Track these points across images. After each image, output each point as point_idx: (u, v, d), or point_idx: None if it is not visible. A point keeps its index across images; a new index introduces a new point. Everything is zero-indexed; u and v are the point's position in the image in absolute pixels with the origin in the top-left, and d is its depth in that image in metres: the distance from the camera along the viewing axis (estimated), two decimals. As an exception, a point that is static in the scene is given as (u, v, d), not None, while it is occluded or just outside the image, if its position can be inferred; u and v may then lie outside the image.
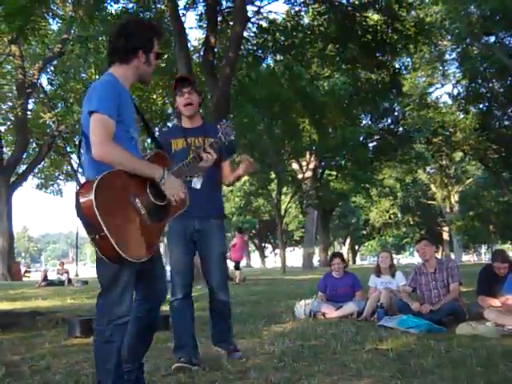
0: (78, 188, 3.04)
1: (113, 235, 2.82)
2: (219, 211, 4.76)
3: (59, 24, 26.61)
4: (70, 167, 38.55)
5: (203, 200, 4.45)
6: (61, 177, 40.63)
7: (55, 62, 31.68)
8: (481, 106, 33.65)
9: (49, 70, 32.84)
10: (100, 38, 21.64)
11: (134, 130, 3.24)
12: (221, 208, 4.81)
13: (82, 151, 3.25)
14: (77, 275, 41.35)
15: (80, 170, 38.82)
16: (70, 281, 21.62)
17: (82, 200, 2.90)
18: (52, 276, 23.68)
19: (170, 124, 31.25)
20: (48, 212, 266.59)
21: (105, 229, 2.80)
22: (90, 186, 2.87)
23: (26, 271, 41.52)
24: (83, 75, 32.32)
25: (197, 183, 4.44)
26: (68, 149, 37.45)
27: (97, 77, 29.13)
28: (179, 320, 4.62)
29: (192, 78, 4.75)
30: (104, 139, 2.97)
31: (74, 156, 38.36)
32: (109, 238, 2.81)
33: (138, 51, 3.24)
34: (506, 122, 33.52)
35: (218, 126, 4.03)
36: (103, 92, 3.08)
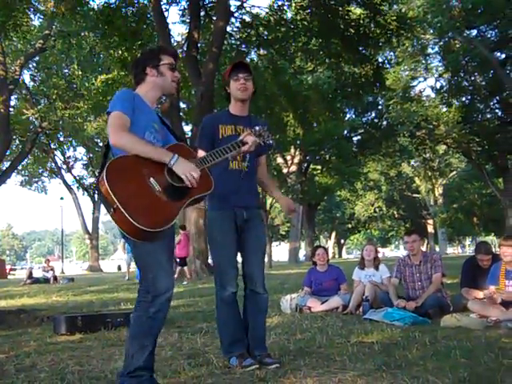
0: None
1: (124, 206, 3.01)
2: (259, 200, 4.70)
3: (41, 19, 26.44)
4: (53, 164, 38.40)
5: (249, 189, 4.39)
6: (45, 174, 40.46)
7: (37, 58, 31.45)
8: (463, 99, 33.84)
9: (31, 65, 32.62)
10: (82, 34, 21.54)
11: (150, 134, 3.48)
12: (259, 197, 4.74)
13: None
14: (62, 272, 41.23)
15: (64, 166, 38.72)
16: (55, 278, 21.53)
17: (99, 179, 3.13)
18: (37, 274, 23.57)
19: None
20: (33, 209, 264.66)
21: (116, 200, 3.01)
22: (104, 169, 3.13)
23: (10, 269, 41.37)
24: (66, 71, 32.21)
25: (245, 173, 4.35)
26: (52, 145, 37.29)
27: (79, 72, 29.05)
28: (232, 314, 4.34)
29: (249, 65, 4.56)
30: (116, 128, 3.28)
31: (57, 153, 38.23)
32: (121, 209, 3.00)
33: (146, 68, 3.63)
34: (489, 115, 33.72)
35: (257, 128, 3.93)
36: (117, 96, 3.47)
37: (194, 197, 3.39)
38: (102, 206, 3.40)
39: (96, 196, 36.62)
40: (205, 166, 3.51)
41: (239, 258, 4.42)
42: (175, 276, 18.13)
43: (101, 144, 36.88)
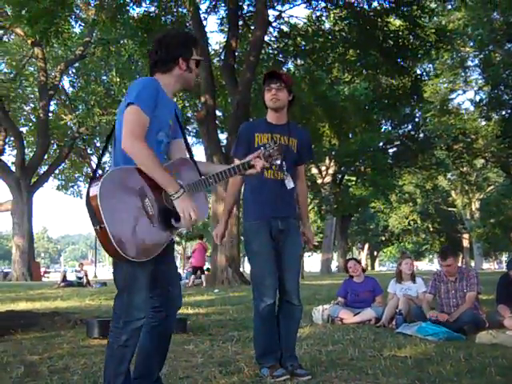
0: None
1: (112, 229, 2.84)
2: (296, 210, 4.60)
3: (82, 27, 26.88)
4: (89, 169, 38.88)
5: (285, 199, 4.35)
6: (81, 178, 41.00)
7: (77, 65, 31.99)
8: (503, 112, 33.37)
9: (70, 72, 33.19)
10: (122, 41, 21.80)
11: (164, 134, 3.26)
12: (296, 207, 4.64)
13: (109, 147, 3.29)
14: (95, 276, 41.66)
15: (99, 171, 39.15)
16: (88, 282, 21.76)
17: (90, 190, 2.95)
18: (71, 277, 23.85)
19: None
20: (68, 213, 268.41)
21: (104, 221, 2.83)
22: (101, 176, 2.93)
23: (45, 272, 41.91)
24: (104, 78, 32.67)
25: (289, 183, 4.26)
26: (88, 151, 37.80)
27: (118, 80, 29.42)
28: (268, 325, 4.28)
29: (283, 74, 4.52)
30: (137, 135, 3.01)
31: (94, 158, 38.72)
32: (107, 230, 2.83)
33: (178, 59, 3.33)
34: (528, 129, 33.19)
35: (264, 149, 3.58)
36: (144, 88, 3.14)
37: (181, 227, 3.22)
38: None
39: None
40: (206, 187, 3.35)
41: None
42: (203, 285, 18.56)
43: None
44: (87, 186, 3.04)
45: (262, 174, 4.08)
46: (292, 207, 4.48)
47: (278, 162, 3.63)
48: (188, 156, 3.51)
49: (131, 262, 2.95)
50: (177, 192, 3.05)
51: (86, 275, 22.39)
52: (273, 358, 4.24)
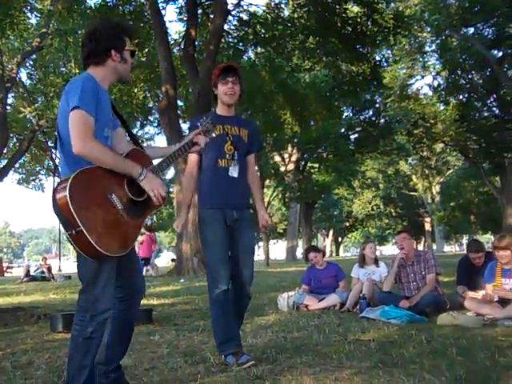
0: (54, 186, 3.05)
1: (88, 230, 2.84)
2: (249, 201, 4.73)
3: (38, 18, 26.37)
4: (51, 162, 38.32)
5: (239, 189, 4.45)
6: (42, 172, 40.36)
7: (34, 56, 31.37)
8: (460, 97, 33.86)
9: (28, 64, 32.51)
10: (79, 32, 21.48)
11: (108, 129, 3.24)
12: (249, 198, 4.77)
13: (58, 153, 3.26)
14: (60, 270, 41.15)
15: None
16: (52, 276, 21.52)
17: (57, 197, 2.92)
18: (34, 271, 23.53)
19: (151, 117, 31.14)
20: (30, 207, 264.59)
21: (80, 224, 2.82)
22: (65, 183, 2.89)
23: (7, 267, 41.28)
24: (63, 69, 32.13)
25: (233, 172, 4.40)
26: (49, 143, 37.20)
27: (77, 71, 29.02)
28: (225, 312, 4.34)
29: (238, 67, 4.64)
30: (86, 135, 2.98)
31: (54, 151, 38.19)
32: (84, 233, 2.83)
33: (111, 51, 3.26)
34: (486, 113, 33.79)
35: (201, 124, 3.84)
36: (84, 89, 3.07)
37: (152, 210, 3.32)
38: None
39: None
40: (161, 172, 3.41)
41: None
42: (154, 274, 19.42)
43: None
44: (52, 191, 3.01)
45: (216, 163, 4.33)
46: (246, 196, 4.59)
47: (214, 134, 3.88)
48: (131, 141, 3.54)
49: (100, 259, 2.98)
50: (141, 174, 3.11)
51: (50, 269, 22.12)
52: (235, 344, 4.29)
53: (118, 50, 3.29)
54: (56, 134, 3.26)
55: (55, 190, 2.97)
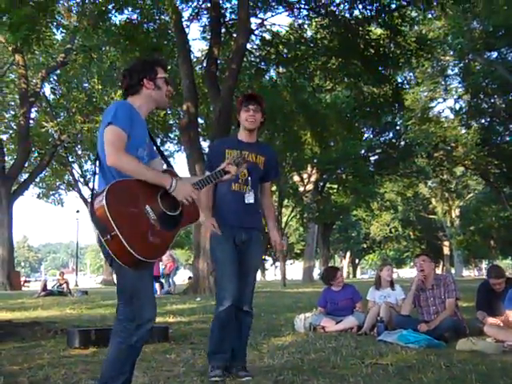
0: (90, 199, 3.25)
1: (123, 234, 2.99)
2: (261, 223, 4.89)
3: (63, 34, 26.73)
4: (71, 177, 38.62)
5: (250, 212, 4.63)
6: (62, 186, 40.69)
7: (58, 72, 31.80)
8: (482, 121, 33.76)
9: (52, 79, 32.97)
10: (103, 48, 21.73)
11: (142, 151, 3.44)
12: (261, 220, 4.94)
13: (97, 169, 3.46)
14: (76, 285, 41.32)
15: (81, 179, 39.03)
16: (69, 291, 21.58)
17: (95, 204, 3.12)
18: (51, 286, 23.62)
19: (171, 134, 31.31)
20: (48, 221, 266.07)
21: (115, 228, 2.98)
22: (102, 192, 3.10)
23: (25, 281, 41.48)
24: (86, 85, 32.52)
25: (249, 198, 4.60)
26: (70, 158, 37.55)
27: (99, 87, 29.32)
28: (223, 327, 4.50)
29: (260, 97, 4.86)
30: (118, 148, 3.21)
31: (75, 166, 38.49)
32: (119, 236, 2.98)
33: (143, 80, 3.53)
34: (508, 138, 33.63)
35: (234, 157, 4.05)
36: (118, 108, 3.35)
37: (184, 226, 3.46)
38: None
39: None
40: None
41: None
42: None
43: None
44: (89, 205, 3.25)
45: (229, 186, 4.52)
46: (256, 219, 4.74)
47: (245, 169, 4.22)
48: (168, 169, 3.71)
49: (136, 266, 3.13)
50: (171, 185, 3.30)
51: (67, 284, 22.20)
52: (221, 359, 4.45)
53: (150, 78, 3.55)
54: (96, 154, 3.48)
55: (93, 200, 3.16)
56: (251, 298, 4.69)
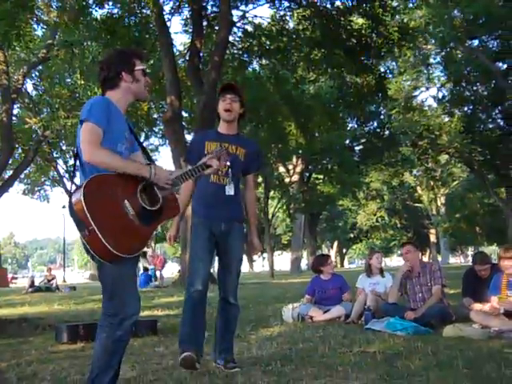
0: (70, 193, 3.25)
1: (100, 229, 2.98)
2: (242, 215, 4.83)
3: (44, 29, 26.52)
4: (56, 173, 38.41)
5: (231, 204, 4.60)
6: (47, 182, 40.47)
7: (40, 68, 31.50)
8: (465, 109, 33.86)
9: (34, 75, 32.65)
10: (85, 43, 21.57)
11: (121, 145, 3.40)
12: (242, 212, 4.88)
13: (77, 164, 3.45)
14: (64, 281, 41.20)
15: (66, 175, 38.84)
16: (57, 287, 21.52)
17: (73, 199, 3.11)
18: (39, 282, 23.54)
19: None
20: (35, 218, 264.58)
21: (92, 223, 2.97)
22: (80, 187, 3.10)
23: (12, 277, 41.26)
24: (68, 80, 32.26)
25: (230, 190, 4.56)
26: (54, 154, 37.32)
27: (82, 82, 29.14)
28: (194, 312, 4.48)
29: (238, 87, 4.82)
30: (92, 143, 3.18)
31: (60, 161, 38.29)
32: (96, 231, 2.97)
33: (121, 73, 3.49)
34: (490, 125, 33.80)
35: (216, 151, 4.05)
36: (93, 104, 3.31)
37: (164, 220, 3.47)
38: None
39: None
40: (173, 187, 3.57)
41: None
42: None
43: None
44: (68, 198, 3.22)
45: (208, 178, 4.48)
46: (236, 211, 4.70)
47: (228, 162, 4.23)
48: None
49: (116, 262, 3.12)
50: (150, 172, 3.29)
51: (55, 280, 22.13)
52: (192, 345, 4.38)
53: (128, 71, 3.50)
54: (76, 148, 3.45)
55: (71, 195, 3.17)
56: (236, 290, 4.68)
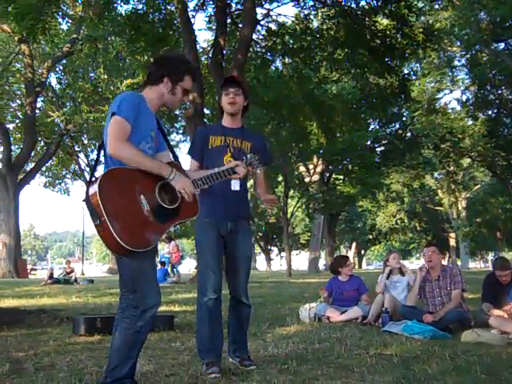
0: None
1: (111, 221, 3.01)
2: (249, 212, 4.78)
3: (69, 24, 26.75)
4: (77, 166, 38.72)
5: (237, 201, 4.51)
6: (68, 176, 40.83)
7: (64, 62, 31.80)
8: (489, 112, 33.64)
9: (58, 69, 32.99)
10: (109, 38, 21.69)
11: (145, 145, 3.43)
12: (250, 209, 4.84)
13: (101, 155, 3.48)
14: (83, 274, 41.51)
15: (87, 169, 39.12)
16: (75, 279, 21.68)
17: (89, 189, 3.15)
18: (58, 274, 23.72)
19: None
20: (55, 210, 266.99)
21: (104, 214, 3.01)
22: (98, 178, 3.13)
23: (32, 269, 41.66)
24: (92, 75, 32.52)
25: (235, 185, 4.46)
26: (76, 148, 37.63)
27: (105, 77, 29.35)
28: (211, 321, 4.38)
29: (241, 80, 4.82)
30: (118, 137, 3.23)
31: (81, 155, 38.56)
32: (107, 223, 3.00)
33: (164, 78, 3.53)
34: (515, 129, 33.52)
35: (248, 157, 4.06)
36: (125, 99, 3.36)
37: (180, 220, 3.46)
38: None
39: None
40: (195, 188, 3.58)
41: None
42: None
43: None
44: (85, 188, 3.24)
45: None
46: (243, 208, 4.61)
47: (258, 171, 4.16)
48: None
49: (133, 255, 3.16)
50: (171, 174, 3.33)
51: (74, 272, 22.30)
52: (213, 354, 4.32)
53: (171, 79, 3.55)
54: (101, 139, 3.48)
55: (88, 184, 3.20)
56: (246, 289, 4.61)
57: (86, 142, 37.74)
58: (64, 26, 27.54)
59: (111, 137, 3.24)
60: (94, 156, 38.44)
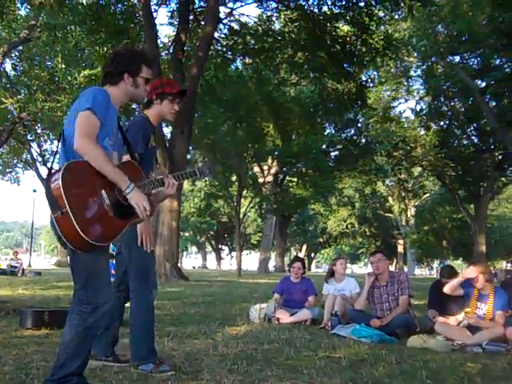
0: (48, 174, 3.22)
1: (73, 212, 2.97)
2: None
3: (28, 9, 26.21)
4: (29, 156, 37.99)
5: None
6: (19, 165, 40.01)
7: (21, 48, 31.11)
8: (441, 123, 34.33)
9: (14, 55, 32.24)
10: (69, 27, 21.37)
11: (108, 141, 3.42)
12: None
13: (59, 148, 3.43)
14: (30, 266, 40.72)
15: (39, 158, 38.43)
16: (22, 271, 21.29)
17: (51, 179, 3.08)
18: (4, 265, 23.29)
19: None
20: (3, 200, 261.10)
21: (67, 205, 2.96)
22: (60, 169, 3.09)
23: (-24, 258, 40.66)
24: (49, 63, 31.89)
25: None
26: (28, 137, 36.88)
27: (63, 66, 28.85)
28: (153, 320, 4.50)
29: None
30: (87, 133, 3.19)
31: (34, 144, 37.83)
32: (69, 214, 2.96)
33: (124, 74, 3.52)
34: (465, 141, 34.31)
35: (200, 164, 4.07)
36: (97, 95, 3.33)
37: (136, 219, 3.43)
38: None
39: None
40: (153, 188, 3.63)
41: None
42: None
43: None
44: (46, 178, 3.18)
45: None
46: None
47: (207, 178, 4.00)
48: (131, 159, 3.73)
49: (89, 250, 3.13)
50: (128, 187, 3.26)
51: (21, 264, 21.91)
52: (156, 352, 4.36)
53: (131, 74, 3.54)
54: (62, 132, 3.42)
55: (49, 175, 3.14)
56: None
57: (39, 131, 37.04)
58: (22, 12, 26.99)
59: (80, 131, 3.19)
60: (47, 146, 37.92)
